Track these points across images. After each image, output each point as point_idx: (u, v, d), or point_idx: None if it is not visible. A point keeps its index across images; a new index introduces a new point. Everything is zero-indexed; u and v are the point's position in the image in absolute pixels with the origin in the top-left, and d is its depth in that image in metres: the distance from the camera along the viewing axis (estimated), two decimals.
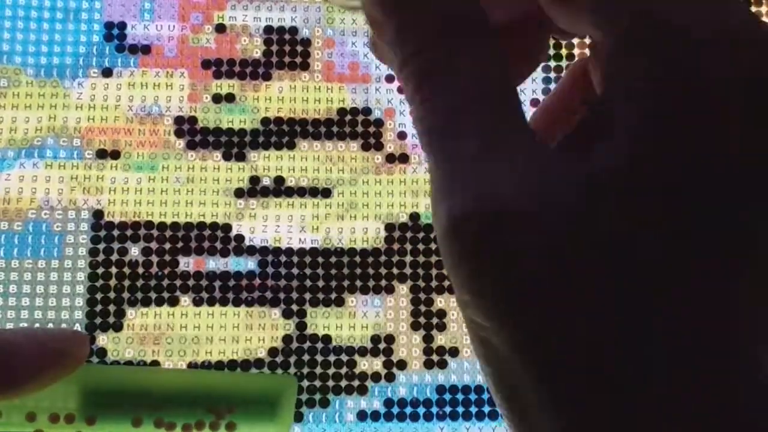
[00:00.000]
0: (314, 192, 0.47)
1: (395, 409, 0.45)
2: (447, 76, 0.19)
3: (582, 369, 0.17)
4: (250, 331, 0.45)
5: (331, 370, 0.45)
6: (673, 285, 0.17)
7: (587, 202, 0.18)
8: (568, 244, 0.17)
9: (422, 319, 0.46)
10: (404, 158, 0.48)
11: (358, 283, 0.46)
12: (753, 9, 0.50)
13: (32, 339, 0.30)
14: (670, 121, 0.18)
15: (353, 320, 0.46)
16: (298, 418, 0.44)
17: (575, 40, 0.50)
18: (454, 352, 0.46)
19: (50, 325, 0.44)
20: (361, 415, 0.45)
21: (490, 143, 0.18)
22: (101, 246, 0.45)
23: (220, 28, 0.48)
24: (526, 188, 0.18)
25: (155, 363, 0.44)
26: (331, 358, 0.45)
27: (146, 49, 0.48)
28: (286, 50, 0.48)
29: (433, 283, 0.46)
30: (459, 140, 0.19)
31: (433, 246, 0.47)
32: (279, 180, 0.47)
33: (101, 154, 0.46)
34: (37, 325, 0.44)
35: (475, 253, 0.18)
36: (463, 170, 0.18)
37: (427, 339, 0.46)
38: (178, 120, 0.47)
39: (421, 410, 0.45)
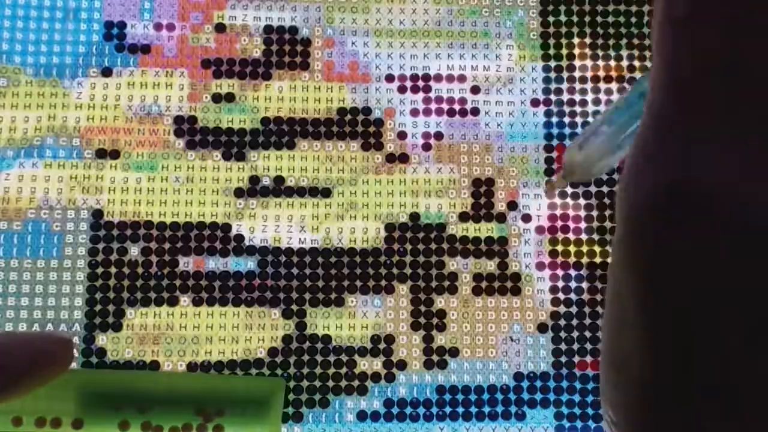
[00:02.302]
0: (314, 192, 0.47)
1: (395, 410, 0.45)
2: None
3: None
4: (249, 332, 0.45)
5: (331, 371, 0.45)
6: None
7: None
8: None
9: (422, 320, 0.46)
10: (404, 158, 0.47)
11: (358, 283, 0.46)
12: None
13: (16, 342, 0.30)
14: None
15: (353, 320, 0.45)
16: (298, 418, 0.44)
17: (576, 40, 0.49)
18: (454, 352, 0.45)
19: (50, 326, 0.44)
20: (361, 416, 0.45)
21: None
22: (101, 246, 0.45)
23: (220, 28, 0.48)
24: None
25: (155, 363, 0.44)
26: (331, 358, 0.45)
27: (146, 49, 0.48)
28: (286, 50, 0.48)
29: (433, 284, 0.46)
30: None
31: (433, 246, 0.46)
32: (279, 180, 0.47)
33: (101, 153, 0.46)
34: (36, 325, 0.44)
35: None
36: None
37: (427, 339, 0.46)
38: (178, 120, 0.47)
39: (421, 410, 0.45)
